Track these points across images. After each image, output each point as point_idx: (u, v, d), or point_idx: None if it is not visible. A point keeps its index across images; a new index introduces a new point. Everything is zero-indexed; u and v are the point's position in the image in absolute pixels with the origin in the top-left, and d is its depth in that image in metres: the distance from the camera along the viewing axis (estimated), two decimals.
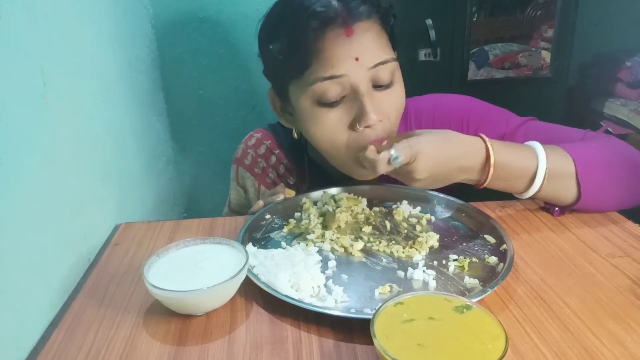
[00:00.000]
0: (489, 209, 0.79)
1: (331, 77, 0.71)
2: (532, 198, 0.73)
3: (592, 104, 1.83)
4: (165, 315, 0.57)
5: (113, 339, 0.53)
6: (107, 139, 0.88)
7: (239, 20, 1.46)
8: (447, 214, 0.77)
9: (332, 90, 0.72)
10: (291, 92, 0.77)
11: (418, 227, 0.74)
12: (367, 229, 0.73)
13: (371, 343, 0.44)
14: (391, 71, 0.74)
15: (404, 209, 0.78)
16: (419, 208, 0.79)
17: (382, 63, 0.73)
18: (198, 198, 1.64)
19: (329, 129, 0.74)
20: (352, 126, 0.74)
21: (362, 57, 0.71)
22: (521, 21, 1.56)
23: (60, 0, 0.72)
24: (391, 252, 0.67)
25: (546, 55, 1.57)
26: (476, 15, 1.51)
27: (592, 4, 1.62)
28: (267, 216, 0.77)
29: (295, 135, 0.84)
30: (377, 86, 0.74)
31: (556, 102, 1.58)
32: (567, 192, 0.72)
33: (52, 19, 0.68)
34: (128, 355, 0.51)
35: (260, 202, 0.80)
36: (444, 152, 0.67)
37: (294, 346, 0.52)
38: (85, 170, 0.75)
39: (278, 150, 0.95)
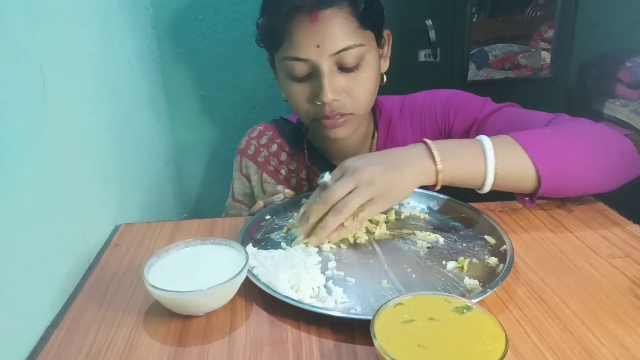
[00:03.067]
0: (489, 209, 0.79)
1: (296, 59, 0.79)
2: (495, 189, 0.72)
3: (592, 104, 1.83)
4: (165, 316, 0.57)
5: (113, 340, 0.53)
6: (107, 139, 0.88)
7: (239, 20, 1.46)
8: (447, 215, 0.77)
9: (297, 68, 0.80)
10: (275, 61, 0.86)
11: (418, 227, 0.74)
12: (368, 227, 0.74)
13: (371, 344, 0.44)
14: (357, 56, 0.79)
15: (403, 209, 0.78)
16: (418, 208, 0.79)
17: (345, 50, 0.77)
18: (198, 198, 1.64)
19: (295, 99, 0.84)
20: (310, 99, 0.82)
21: (323, 44, 0.77)
22: (521, 21, 1.55)
23: (60, 0, 0.72)
24: (391, 252, 0.67)
25: (546, 56, 1.56)
26: (476, 15, 1.50)
27: (592, 4, 1.62)
28: (267, 217, 0.77)
29: (283, 99, 0.90)
30: (342, 69, 0.80)
31: (556, 102, 1.58)
32: (525, 177, 0.70)
33: (52, 19, 0.68)
34: (128, 356, 0.51)
35: (261, 203, 0.81)
36: (376, 153, 0.71)
37: (294, 347, 0.52)
38: (85, 170, 0.75)
39: (280, 140, 1.00)
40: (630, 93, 1.73)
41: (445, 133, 0.91)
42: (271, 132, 1.00)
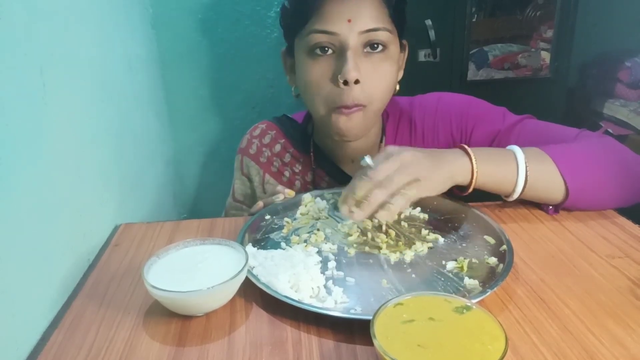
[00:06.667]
0: (489, 209, 0.79)
1: (324, 32, 0.77)
2: (521, 198, 0.74)
3: (592, 104, 1.83)
4: (165, 316, 0.57)
5: (113, 340, 0.53)
6: (107, 139, 0.88)
7: (239, 20, 1.47)
8: (446, 215, 0.77)
9: (323, 42, 0.78)
10: (295, 47, 0.84)
11: (418, 227, 0.74)
12: (368, 225, 0.74)
13: (371, 344, 0.44)
14: (384, 40, 0.78)
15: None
16: (418, 208, 0.79)
17: (374, 30, 0.77)
18: (198, 198, 1.64)
19: (314, 79, 0.80)
20: (333, 79, 0.78)
21: (354, 19, 0.76)
22: (521, 22, 1.56)
23: (60, 0, 0.72)
24: (391, 253, 0.67)
25: (546, 56, 1.56)
26: (476, 15, 1.50)
27: (592, 4, 1.62)
28: (267, 217, 0.77)
29: (294, 94, 0.89)
30: (369, 48, 0.78)
31: (556, 102, 1.58)
32: (553, 190, 0.73)
33: (52, 19, 0.68)
34: (128, 356, 0.51)
35: (260, 203, 0.80)
36: (424, 151, 0.71)
37: (293, 347, 0.52)
38: (85, 170, 0.75)
39: (284, 140, 0.97)
40: (630, 93, 1.73)
41: (461, 142, 0.89)
42: (274, 132, 0.98)
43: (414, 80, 1.01)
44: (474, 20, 1.49)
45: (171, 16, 1.43)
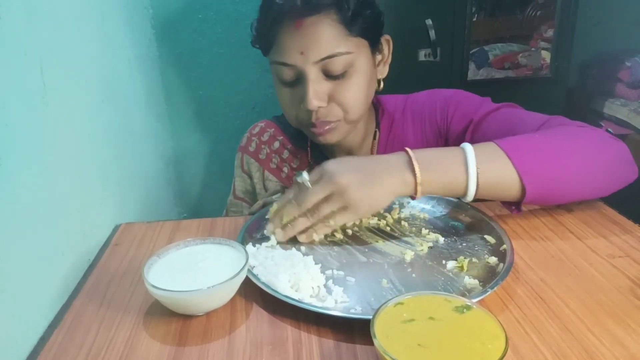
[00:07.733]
0: (489, 209, 0.79)
1: (282, 63, 0.79)
2: (477, 199, 0.70)
3: (592, 104, 1.83)
4: (165, 316, 0.57)
5: (113, 339, 0.53)
6: (107, 139, 0.88)
7: (239, 21, 1.47)
8: (446, 214, 0.77)
9: (285, 72, 0.80)
10: (270, 66, 0.86)
11: (418, 227, 0.74)
12: (368, 225, 0.74)
13: (371, 343, 0.44)
14: (343, 63, 0.78)
15: (402, 209, 0.78)
16: (418, 208, 0.79)
17: (329, 57, 0.76)
18: (198, 198, 1.64)
19: (283, 102, 0.84)
20: (297, 105, 0.82)
21: (307, 51, 0.76)
22: (521, 21, 1.56)
23: (60, 0, 0.72)
24: (391, 252, 0.67)
25: (546, 56, 1.56)
26: (476, 15, 1.50)
27: (592, 4, 1.62)
28: (267, 216, 0.77)
29: None
30: (328, 75, 0.79)
31: (556, 102, 1.58)
32: (509, 186, 0.68)
33: (52, 19, 0.68)
34: (128, 356, 0.51)
35: (261, 202, 0.81)
36: (357, 159, 0.70)
37: (294, 346, 0.52)
38: (85, 170, 0.75)
39: (282, 137, 1.00)
40: (630, 93, 1.73)
41: (444, 132, 0.91)
42: (273, 129, 1.00)
43: (414, 80, 1.01)
44: (474, 19, 1.49)
45: (171, 16, 1.43)
